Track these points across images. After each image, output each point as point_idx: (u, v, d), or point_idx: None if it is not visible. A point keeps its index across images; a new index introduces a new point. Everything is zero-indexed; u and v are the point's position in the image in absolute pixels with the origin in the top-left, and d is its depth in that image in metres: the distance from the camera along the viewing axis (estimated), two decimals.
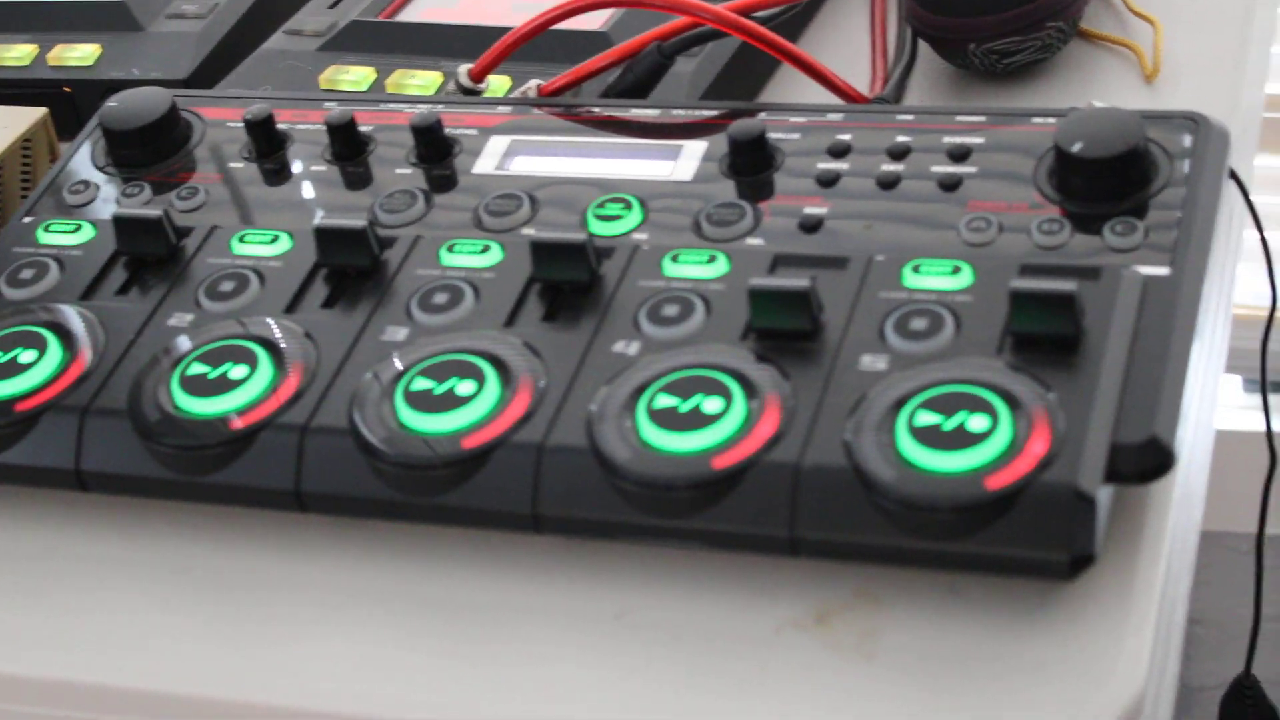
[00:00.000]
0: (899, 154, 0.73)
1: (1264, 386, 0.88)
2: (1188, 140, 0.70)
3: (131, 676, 0.64)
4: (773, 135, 0.75)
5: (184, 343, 0.70)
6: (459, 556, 0.66)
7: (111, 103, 0.81)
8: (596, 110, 0.80)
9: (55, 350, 0.71)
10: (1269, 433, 0.88)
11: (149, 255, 0.74)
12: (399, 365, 0.67)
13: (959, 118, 0.74)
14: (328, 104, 0.82)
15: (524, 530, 0.64)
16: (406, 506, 0.65)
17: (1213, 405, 0.82)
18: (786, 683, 0.60)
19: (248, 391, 0.67)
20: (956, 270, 0.67)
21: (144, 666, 0.64)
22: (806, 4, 0.93)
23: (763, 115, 0.76)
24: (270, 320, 0.70)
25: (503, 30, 0.84)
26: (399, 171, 0.77)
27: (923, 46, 0.89)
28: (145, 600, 0.67)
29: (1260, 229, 0.79)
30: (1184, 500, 0.68)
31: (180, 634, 0.65)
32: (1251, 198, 0.77)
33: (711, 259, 0.69)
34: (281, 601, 0.66)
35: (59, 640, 0.65)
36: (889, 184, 0.72)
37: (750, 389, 0.64)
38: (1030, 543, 0.59)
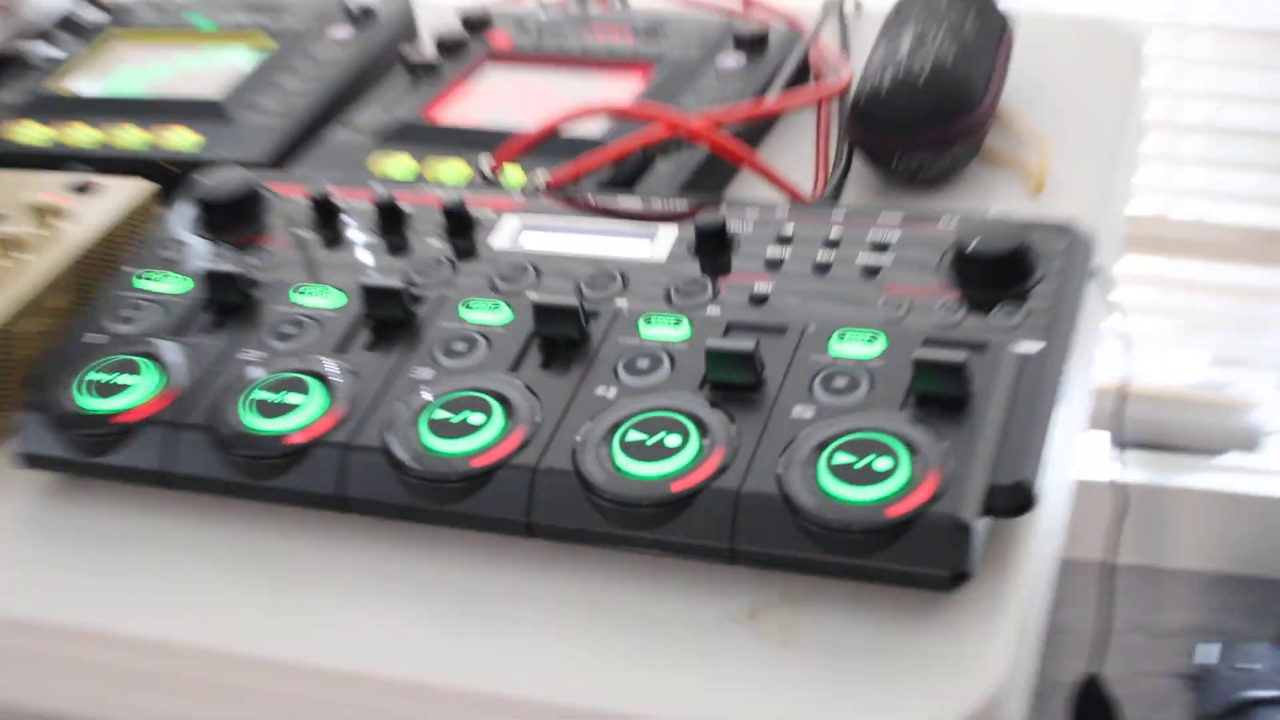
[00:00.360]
0: (832, 244, 0.74)
1: (1120, 445, 0.90)
2: (1061, 244, 0.71)
3: (205, 636, 0.65)
4: (732, 225, 0.75)
5: (253, 373, 0.71)
6: (466, 553, 0.67)
7: (203, 179, 0.82)
8: (591, 199, 0.80)
9: (151, 375, 0.71)
10: (1115, 482, 0.90)
11: (229, 303, 0.75)
12: (424, 398, 0.68)
13: (881, 216, 0.75)
14: (376, 186, 0.82)
15: (519, 535, 0.65)
16: (426, 512, 0.66)
17: (1073, 457, 0.82)
18: (723, 663, 0.61)
19: (303, 415, 0.68)
20: (872, 339, 0.67)
21: (216, 629, 0.65)
22: (766, 119, 0.93)
23: (724, 208, 0.77)
24: (323, 358, 0.71)
25: (519, 132, 0.86)
26: (430, 242, 0.78)
27: (857, 157, 0.89)
28: (218, 579, 0.68)
29: (1118, 316, 0.80)
30: (1046, 532, 0.68)
31: (246, 605, 0.66)
32: (1116, 290, 0.78)
33: (678, 323, 0.70)
34: (324, 583, 0.67)
35: (149, 605, 0.66)
36: (823, 269, 0.72)
37: (704, 429, 0.64)
38: (920, 561, 0.60)
